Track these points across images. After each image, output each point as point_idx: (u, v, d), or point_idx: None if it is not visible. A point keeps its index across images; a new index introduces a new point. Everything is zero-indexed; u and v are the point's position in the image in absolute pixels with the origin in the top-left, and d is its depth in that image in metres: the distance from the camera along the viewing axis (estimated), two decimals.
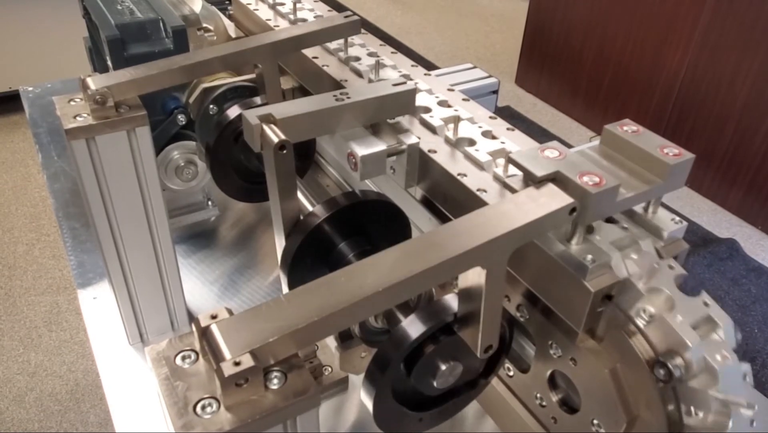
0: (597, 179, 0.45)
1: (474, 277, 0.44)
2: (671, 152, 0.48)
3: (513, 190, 0.49)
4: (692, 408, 0.43)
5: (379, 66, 0.72)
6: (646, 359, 0.44)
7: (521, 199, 0.45)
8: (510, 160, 0.49)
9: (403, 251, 0.40)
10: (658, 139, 0.50)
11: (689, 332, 0.42)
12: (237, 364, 0.33)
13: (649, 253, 0.47)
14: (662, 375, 0.42)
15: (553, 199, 0.44)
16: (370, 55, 0.77)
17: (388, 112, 0.61)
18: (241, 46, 0.68)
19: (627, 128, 0.51)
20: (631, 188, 0.47)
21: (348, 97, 0.58)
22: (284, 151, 0.52)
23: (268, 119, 0.54)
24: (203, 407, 0.34)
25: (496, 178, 0.55)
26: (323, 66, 0.75)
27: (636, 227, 0.50)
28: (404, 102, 0.61)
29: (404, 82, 0.61)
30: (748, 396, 0.42)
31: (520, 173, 0.48)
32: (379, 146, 0.59)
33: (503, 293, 0.45)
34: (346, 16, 0.73)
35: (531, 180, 0.47)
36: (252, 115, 0.54)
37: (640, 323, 0.44)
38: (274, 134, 0.52)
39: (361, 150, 0.58)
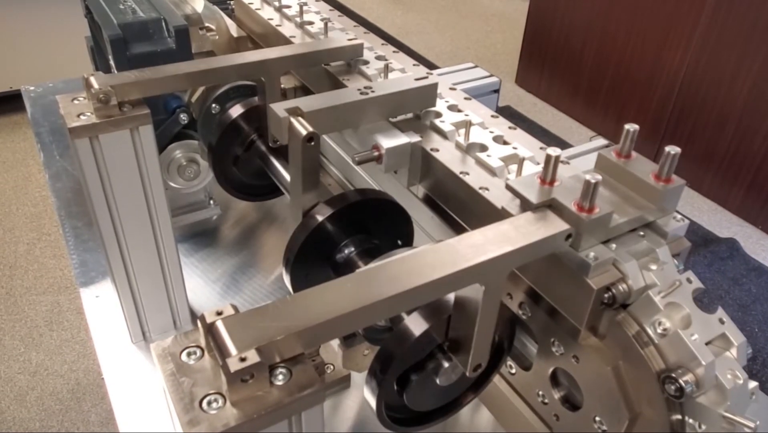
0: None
1: (472, 293, 0.44)
2: (663, 177, 0.49)
3: (515, 192, 0.49)
4: (697, 423, 0.43)
5: (388, 69, 0.73)
6: (656, 370, 0.44)
7: (520, 223, 0.45)
8: (507, 188, 0.50)
9: (408, 262, 0.41)
10: (650, 165, 0.51)
11: (703, 349, 0.42)
12: (243, 360, 0.33)
13: (668, 264, 0.47)
14: (673, 391, 0.42)
15: (550, 225, 0.45)
16: (378, 58, 0.77)
17: (411, 105, 0.63)
18: (245, 59, 0.67)
19: (621, 152, 0.52)
20: (624, 214, 0.48)
21: (372, 91, 0.60)
22: (312, 143, 0.54)
23: (295, 112, 0.55)
24: (209, 403, 0.34)
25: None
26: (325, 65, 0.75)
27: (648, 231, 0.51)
28: (426, 96, 0.63)
29: (426, 77, 0.62)
30: (753, 414, 0.42)
31: (503, 153, 0.49)
32: (403, 139, 0.60)
33: (497, 312, 0.46)
34: (349, 39, 0.74)
35: (528, 207, 0.47)
36: (280, 108, 0.55)
37: (655, 336, 0.44)
38: (302, 127, 0.53)
39: (387, 143, 0.59)
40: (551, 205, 0.47)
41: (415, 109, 0.64)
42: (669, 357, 0.43)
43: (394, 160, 0.60)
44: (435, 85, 0.63)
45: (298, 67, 0.75)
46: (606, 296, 0.45)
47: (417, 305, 0.45)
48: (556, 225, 0.45)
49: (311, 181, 0.57)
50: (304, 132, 0.53)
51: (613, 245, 0.47)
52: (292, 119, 0.54)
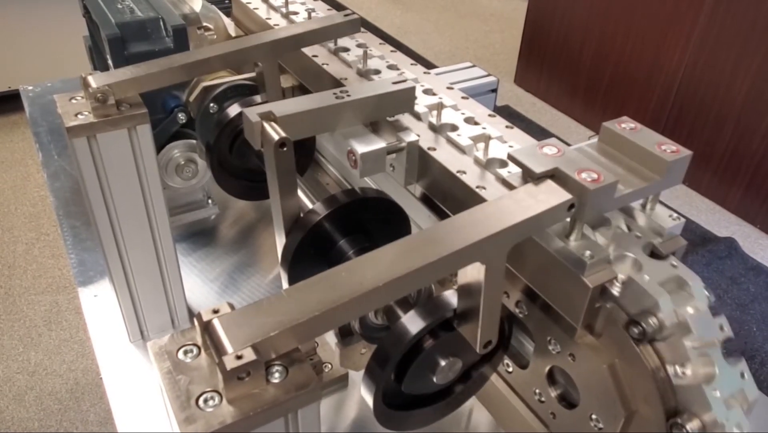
0: (595, 176, 0.45)
1: (473, 272, 0.44)
2: (669, 149, 0.49)
3: (512, 187, 0.49)
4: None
5: (367, 56, 0.72)
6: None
7: (520, 196, 0.45)
8: (509, 157, 0.49)
9: (403, 246, 0.40)
10: (656, 136, 0.50)
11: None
12: (239, 357, 0.33)
13: (703, 308, 0.43)
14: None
15: (552, 195, 0.45)
16: (382, 59, 0.77)
17: (388, 110, 0.62)
18: (241, 45, 0.68)
19: (625, 125, 0.51)
20: (629, 185, 0.48)
21: (348, 95, 0.59)
22: (284, 149, 0.52)
23: (268, 117, 0.54)
24: (205, 401, 0.34)
25: (496, 175, 0.56)
26: (323, 64, 0.75)
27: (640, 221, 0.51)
28: (404, 100, 0.61)
29: (404, 81, 0.61)
30: (754, 416, 0.42)
31: (518, 170, 0.49)
32: (378, 144, 0.59)
33: (502, 289, 0.45)
34: (346, 15, 0.73)
35: (530, 177, 0.47)
36: (252, 113, 0.54)
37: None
38: (275, 132, 0.52)
39: (361, 147, 0.58)
40: (554, 176, 0.46)
41: (392, 113, 0.63)
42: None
43: (369, 165, 0.59)
44: (413, 89, 0.61)
45: (296, 47, 0.73)
46: (636, 330, 0.44)
47: (415, 289, 0.44)
48: (559, 195, 0.44)
49: (288, 187, 0.55)
50: (276, 137, 0.52)
51: (646, 276, 0.45)
52: (265, 124, 0.53)
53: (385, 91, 0.60)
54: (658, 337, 0.43)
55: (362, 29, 0.86)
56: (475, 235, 0.41)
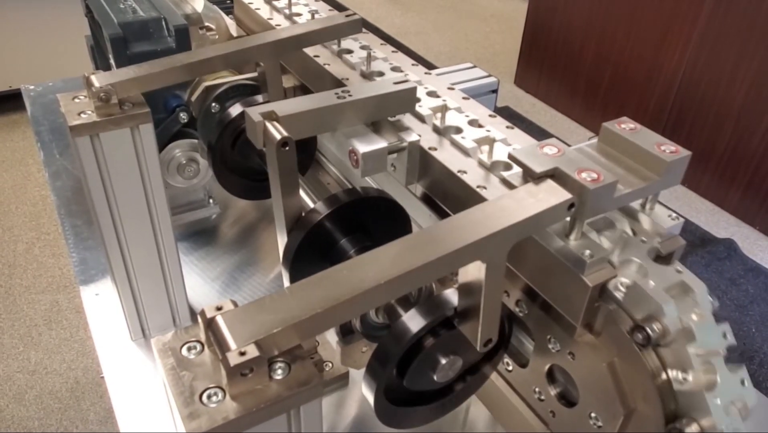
0: (595, 175, 0.46)
1: (474, 271, 0.44)
2: (668, 149, 0.49)
3: (512, 187, 0.50)
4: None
5: (371, 58, 0.73)
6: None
7: (520, 195, 0.45)
8: (510, 157, 0.50)
9: (404, 245, 0.41)
10: (655, 137, 0.50)
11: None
12: (242, 354, 0.33)
13: (707, 316, 0.44)
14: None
15: (552, 194, 0.45)
16: (385, 61, 0.77)
17: (389, 110, 0.62)
18: (243, 45, 0.69)
19: (625, 126, 0.52)
20: (628, 185, 0.48)
21: (350, 95, 0.59)
22: (287, 148, 0.53)
23: (270, 116, 0.54)
24: (209, 397, 0.34)
25: (498, 177, 0.56)
26: (324, 64, 0.76)
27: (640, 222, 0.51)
28: (405, 100, 0.62)
29: (405, 81, 0.61)
30: (754, 418, 0.42)
31: (519, 170, 0.49)
32: (380, 143, 0.59)
33: (503, 287, 0.46)
34: (347, 15, 0.73)
35: (530, 176, 0.47)
36: (255, 113, 0.54)
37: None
38: (277, 131, 0.53)
39: (363, 147, 0.58)
40: (554, 175, 0.47)
41: (393, 113, 0.63)
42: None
43: (371, 165, 0.59)
44: (414, 89, 0.62)
45: (297, 47, 0.74)
46: (640, 336, 0.44)
47: (416, 287, 0.44)
48: (559, 195, 0.45)
49: (290, 186, 0.56)
50: (278, 137, 0.52)
51: (651, 282, 0.45)
52: (267, 124, 0.54)
53: (386, 91, 0.60)
54: (662, 343, 0.43)
55: (364, 30, 0.87)
56: (476, 234, 0.41)
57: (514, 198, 0.45)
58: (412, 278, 0.39)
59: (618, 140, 0.51)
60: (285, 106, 0.56)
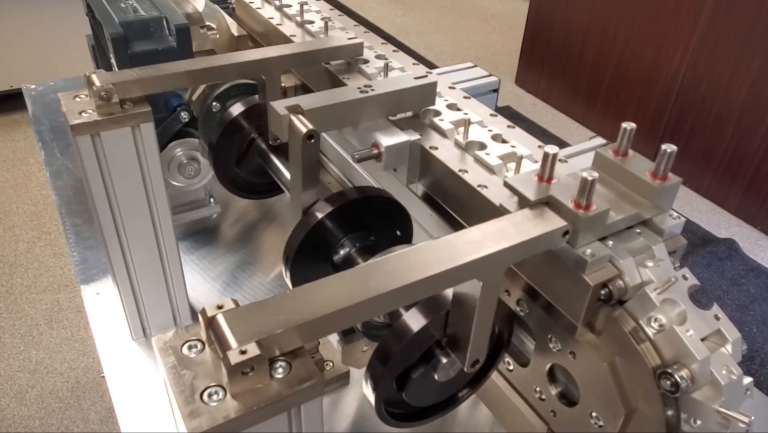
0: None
1: (470, 289, 0.45)
2: (660, 175, 0.50)
3: (513, 188, 0.50)
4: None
5: (388, 69, 0.73)
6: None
7: (518, 219, 0.46)
8: (505, 185, 0.51)
9: (406, 258, 0.41)
10: (647, 163, 0.51)
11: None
12: (243, 353, 0.33)
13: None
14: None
15: (548, 221, 0.46)
16: (378, 57, 0.77)
17: (411, 104, 0.63)
18: (246, 57, 0.68)
19: (618, 151, 0.52)
20: (620, 211, 0.49)
21: (372, 90, 0.60)
22: (312, 141, 0.54)
23: (296, 110, 0.56)
24: (210, 395, 0.34)
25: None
26: (325, 64, 0.76)
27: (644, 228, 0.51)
28: (426, 94, 0.63)
29: (425, 75, 0.62)
30: (747, 410, 0.42)
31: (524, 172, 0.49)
32: (402, 137, 0.60)
33: (495, 308, 0.46)
34: (349, 39, 0.74)
35: (525, 204, 0.48)
36: (280, 106, 0.56)
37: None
38: (302, 124, 0.54)
39: (386, 140, 0.59)
40: (548, 203, 0.48)
41: (414, 107, 0.64)
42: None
43: (393, 158, 0.61)
44: (434, 84, 0.63)
45: (298, 65, 0.75)
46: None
47: (415, 300, 0.45)
48: (554, 222, 0.46)
49: (311, 179, 0.57)
50: (304, 130, 0.53)
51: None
52: (293, 117, 0.55)
53: (407, 86, 0.62)
54: (689, 390, 0.43)
55: (365, 30, 0.87)
56: (475, 253, 0.42)
57: (512, 222, 0.46)
58: (412, 291, 0.40)
59: (611, 166, 0.52)
60: (309, 100, 0.57)
